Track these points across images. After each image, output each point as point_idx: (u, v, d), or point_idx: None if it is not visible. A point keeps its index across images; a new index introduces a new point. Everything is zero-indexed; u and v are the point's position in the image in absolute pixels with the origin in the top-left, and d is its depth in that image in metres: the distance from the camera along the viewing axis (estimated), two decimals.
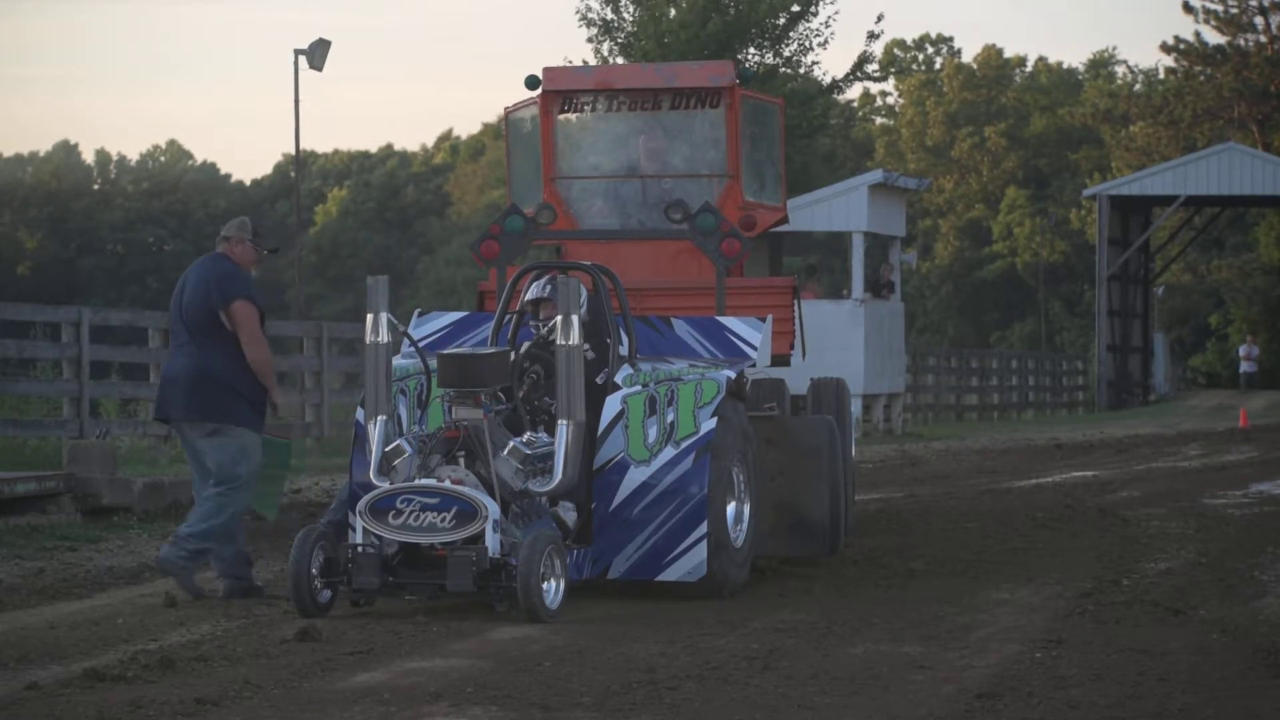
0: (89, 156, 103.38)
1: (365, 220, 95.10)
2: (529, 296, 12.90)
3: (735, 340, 13.61)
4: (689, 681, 9.33)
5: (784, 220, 16.54)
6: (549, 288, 12.72)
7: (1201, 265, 74.29)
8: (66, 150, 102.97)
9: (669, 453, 12.35)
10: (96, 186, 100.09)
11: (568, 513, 12.23)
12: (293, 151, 44.02)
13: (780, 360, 15.10)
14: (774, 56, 42.69)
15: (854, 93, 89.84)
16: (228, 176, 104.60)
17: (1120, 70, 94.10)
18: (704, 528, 12.23)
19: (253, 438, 12.53)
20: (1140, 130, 74.19)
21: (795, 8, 42.44)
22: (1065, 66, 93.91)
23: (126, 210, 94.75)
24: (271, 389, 12.58)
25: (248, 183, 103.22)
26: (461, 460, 11.65)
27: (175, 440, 24.34)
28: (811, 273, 36.06)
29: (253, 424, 12.54)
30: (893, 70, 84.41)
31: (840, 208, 35.36)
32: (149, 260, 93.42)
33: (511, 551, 11.35)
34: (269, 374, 12.56)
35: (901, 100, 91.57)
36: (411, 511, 11.33)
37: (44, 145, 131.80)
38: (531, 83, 15.60)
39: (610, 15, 42.20)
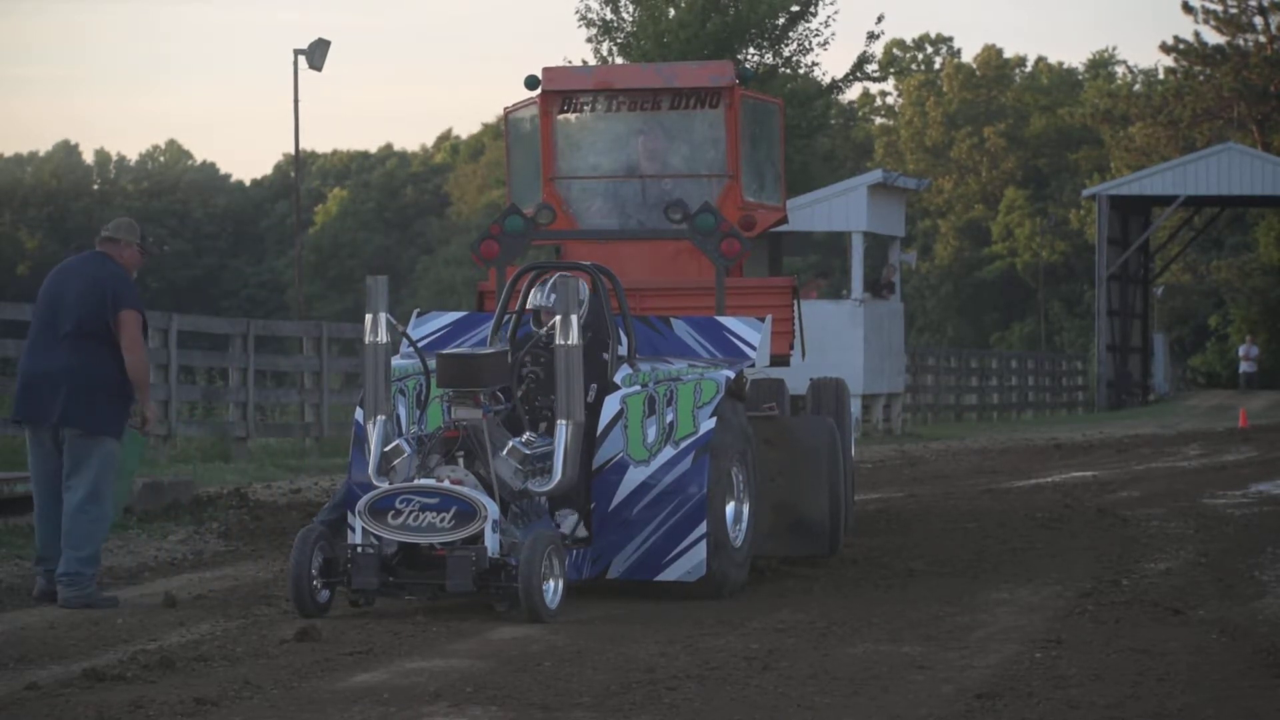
0: (89, 156, 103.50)
1: (365, 220, 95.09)
2: (532, 304, 12.84)
3: (734, 340, 13.60)
4: (689, 681, 9.33)
5: (783, 220, 16.54)
6: (554, 296, 12.62)
7: (1201, 265, 74.33)
8: (66, 150, 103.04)
9: (668, 453, 12.34)
10: (96, 186, 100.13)
11: (566, 519, 12.22)
12: (292, 151, 44.05)
13: (780, 360, 15.10)
14: (773, 56, 42.69)
15: (853, 93, 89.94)
16: (227, 176, 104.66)
17: (1120, 70, 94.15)
18: (703, 528, 12.23)
19: (116, 445, 12.28)
20: (1140, 130, 74.22)
21: (795, 8, 42.43)
22: (1065, 66, 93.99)
23: (126, 210, 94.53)
24: (145, 400, 12.24)
25: (247, 183, 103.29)
26: (461, 460, 11.64)
27: (176, 440, 24.38)
28: (825, 274, 36.20)
29: (119, 432, 12.32)
30: (892, 70, 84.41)
31: (840, 208, 35.37)
32: (149, 260, 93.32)
33: (511, 551, 11.35)
34: (146, 384, 12.27)
35: (901, 100, 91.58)
36: (411, 511, 11.32)
37: (44, 145, 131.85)
38: (531, 83, 15.60)
39: (610, 15, 42.20)
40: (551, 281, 12.70)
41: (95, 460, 12.16)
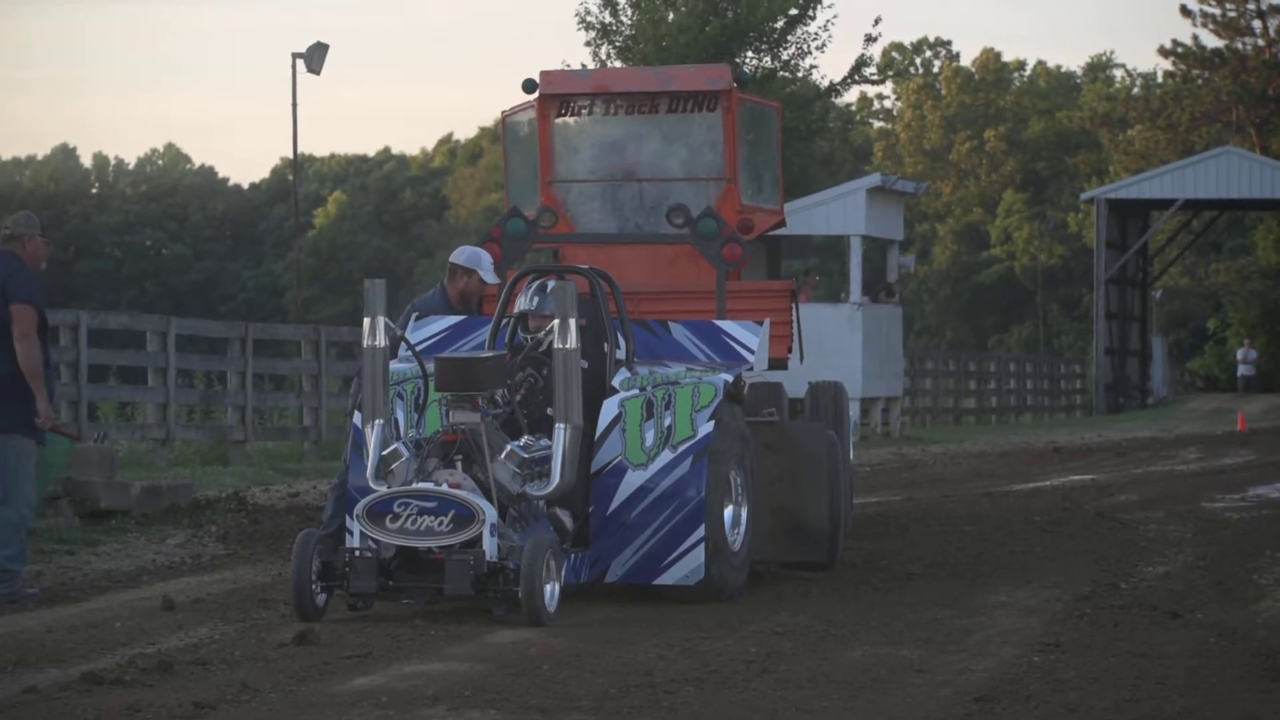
0: (87, 160, 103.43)
1: (363, 223, 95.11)
2: (519, 308, 12.82)
3: (732, 344, 13.59)
4: (687, 685, 9.33)
5: (782, 223, 16.54)
6: (536, 300, 12.64)
7: (1199, 268, 74.37)
8: (65, 153, 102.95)
9: (666, 456, 12.33)
10: (94, 190, 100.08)
11: (564, 518, 12.22)
12: (291, 155, 44.06)
13: (778, 363, 15.09)
14: (772, 60, 42.66)
15: (852, 96, 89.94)
16: (225, 180, 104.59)
17: (1118, 74, 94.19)
18: (701, 531, 12.22)
19: (28, 444, 12.32)
20: (1138, 133, 74.29)
21: (793, 11, 42.43)
22: (1063, 70, 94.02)
23: (125, 213, 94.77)
24: (39, 395, 12.24)
25: (245, 186, 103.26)
26: (459, 464, 11.63)
27: (174, 443, 24.39)
28: (807, 275, 36.25)
29: (30, 430, 12.33)
30: (891, 74, 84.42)
31: (838, 211, 35.41)
32: (147, 263, 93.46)
33: (509, 555, 11.35)
34: (39, 378, 12.24)
35: (900, 104, 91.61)
36: (409, 515, 11.31)
37: (42, 148, 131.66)
38: (529, 86, 15.59)
39: (609, 19, 42.17)
40: (536, 285, 12.69)
41: (9, 457, 12.24)
